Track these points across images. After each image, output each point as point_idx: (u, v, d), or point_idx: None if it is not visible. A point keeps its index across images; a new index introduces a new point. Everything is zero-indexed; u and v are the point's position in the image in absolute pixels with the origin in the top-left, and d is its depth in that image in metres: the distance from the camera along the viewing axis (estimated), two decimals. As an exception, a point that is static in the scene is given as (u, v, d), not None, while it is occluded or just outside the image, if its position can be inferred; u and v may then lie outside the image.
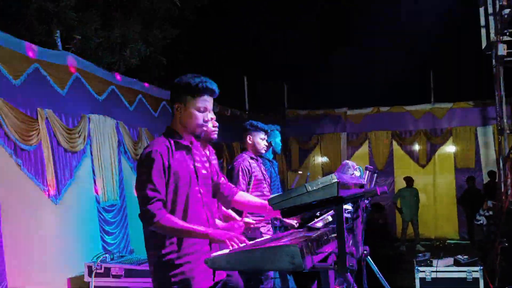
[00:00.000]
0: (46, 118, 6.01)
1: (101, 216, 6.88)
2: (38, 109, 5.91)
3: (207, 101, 3.21)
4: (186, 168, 3.18)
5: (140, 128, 8.06)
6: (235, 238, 2.98)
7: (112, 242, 6.96)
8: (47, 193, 5.93)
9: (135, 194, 3.13)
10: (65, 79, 6.46)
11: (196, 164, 3.27)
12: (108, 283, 5.81)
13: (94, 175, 6.86)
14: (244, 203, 3.58)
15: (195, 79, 3.17)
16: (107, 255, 6.04)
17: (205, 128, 3.27)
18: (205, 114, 3.22)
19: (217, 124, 3.86)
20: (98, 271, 5.84)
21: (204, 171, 3.32)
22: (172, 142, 3.19)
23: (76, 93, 6.64)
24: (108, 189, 7.04)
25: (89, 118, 6.84)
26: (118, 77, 7.68)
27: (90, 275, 5.84)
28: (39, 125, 5.86)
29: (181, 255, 3.10)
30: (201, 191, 3.26)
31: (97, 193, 6.86)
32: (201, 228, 3.07)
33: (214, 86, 3.22)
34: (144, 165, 3.09)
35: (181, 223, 3.06)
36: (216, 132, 4.07)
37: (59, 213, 6.16)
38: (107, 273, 5.82)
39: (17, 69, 5.64)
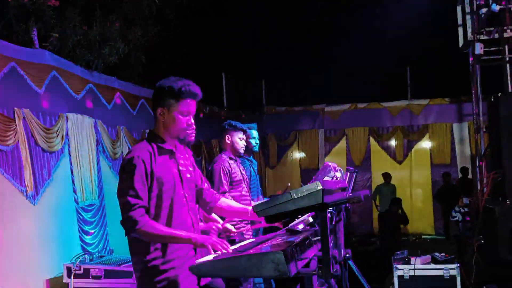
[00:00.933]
0: (24, 117, 5.93)
1: (80, 216, 6.82)
2: (15, 108, 5.82)
3: (190, 105, 3.18)
4: (169, 173, 3.14)
5: (118, 126, 8.00)
6: (218, 244, 2.96)
7: (91, 242, 6.90)
8: (25, 193, 5.86)
9: (118, 200, 3.08)
10: (42, 78, 6.37)
11: (180, 168, 3.24)
12: (87, 284, 5.76)
13: (73, 175, 6.79)
14: (225, 209, 3.54)
15: (178, 83, 3.13)
16: (86, 255, 6.00)
17: (188, 132, 3.22)
18: (188, 118, 3.19)
19: (194, 126, 3.82)
20: (77, 272, 5.79)
21: (188, 175, 3.29)
22: (155, 146, 3.15)
23: (53, 92, 6.56)
24: (86, 189, 6.97)
25: (67, 117, 6.76)
26: (96, 75, 7.59)
27: (69, 276, 5.79)
28: (16, 125, 5.77)
29: (166, 261, 3.08)
30: (186, 195, 3.22)
31: (75, 193, 6.79)
32: (184, 233, 3.04)
33: (197, 90, 3.18)
34: (125, 172, 3.05)
35: (164, 229, 3.03)
36: (194, 134, 4.06)
37: (37, 214, 6.09)
38: (86, 274, 5.78)
39: (-7, 68, 5.56)
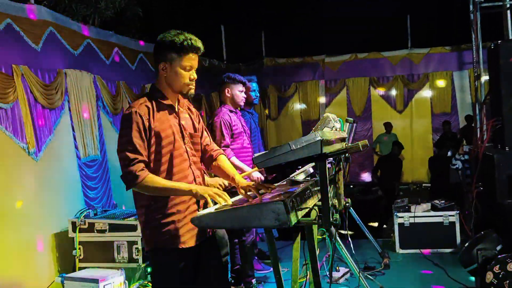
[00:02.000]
0: (22, 74, 5.91)
1: (83, 172, 6.88)
2: (13, 65, 5.80)
3: (193, 59, 3.16)
4: (169, 128, 3.15)
5: (118, 81, 7.97)
6: (217, 196, 2.99)
7: (95, 196, 6.98)
8: (27, 150, 5.89)
9: (118, 156, 3.10)
10: (39, 34, 6.31)
11: (182, 122, 3.25)
12: (93, 238, 5.88)
13: (74, 131, 6.82)
14: (218, 168, 3.47)
15: (180, 37, 3.09)
16: (90, 210, 6.09)
17: (191, 86, 3.22)
18: (191, 72, 3.17)
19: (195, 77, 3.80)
20: (82, 226, 5.89)
21: (191, 130, 3.31)
22: (154, 102, 3.15)
23: (51, 48, 6.50)
24: (88, 144, 7.01)
25: (65, 73, 6.73)
26: (94, 30, 7.53)
27: (74, 230, 5.91)
28: (15, 82, 5.77)
29: (166, 215, 3.12)
30: (188, 150, 3.24)
31: (77, 148, 6.83)
32: (184, 185, 3.07)
33: (199, 44, 3.15)
34: (123, 127, 3.07)
35: (164, 181, 3.05)
36: (194, 86, 4.05)
37: (40, 170, 6.13)
38: (91, 228, 5.88)
39: (-11, 26, 5.52)
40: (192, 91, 3.25)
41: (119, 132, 3.12)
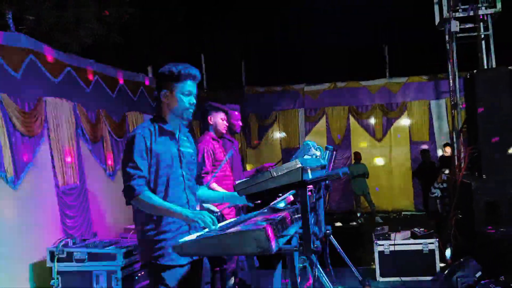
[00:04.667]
0: (1, 102, 5.88)
1: (61, 200, 6.81)
2: (-7, 93, 5.78)
3: (191, 86, 3.42)
4: (168, 152, 3.37)
5: (98, 109, 7.95)
6: (207, 217, 3.10)
7: (74, 225, 6.90)
8: (5, 178, 5.83)
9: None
10: (19, 62, 6.31)
11: (181, 148, 3.47)
12: (71, 267, 5.80)
13: (53, 159, 6.76)
14: (204, 198, 3.77)
15: (178, 67, 3.38)
16: (69, 239, 6.01)
17: (191, 111, 3.43)
18: (190, 97, 3.41)
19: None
20: (60, 256, 5.82)
21: (188, 157, 3.51)
22: (156, 127, 3.39)
23: (31, 75, 6.50)
24: (67, 172, 6.95)
25: (45, 101, 6.71)
26: (74, 58, 7.53)
27: (52, 260, 5.82)
28: (-6, 110, 5.74)
29: (159, 232, 3.29)
30: (184, 174, 3.44)
31: (56, 177, 6.77)
32: (176, 208, 3.21)
33: (196, 72, 3.44)
34: (127, 146, 3.31)
35: (159, 201, 3.23)
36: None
37: (18, 199, 6.07)
38: (70, 257, 5.81)
39: (-31, 53, 5.50)
40: (190, 116, 3.46)
41: (123, 152, 3.36)
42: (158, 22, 11.44)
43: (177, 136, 3.49)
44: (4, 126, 5.88)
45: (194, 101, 3.44)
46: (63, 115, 7.03)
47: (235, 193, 3.53)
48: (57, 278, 5.78)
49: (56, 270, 5.78)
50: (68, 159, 7.02)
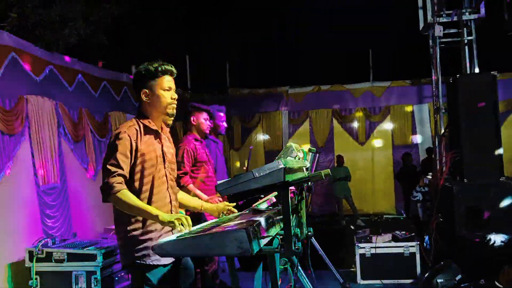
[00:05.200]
0: (-18, 100, 5.81)
1: (42, 200, 6.73)
2: (-27, 91, 5.71)
3: (169, 81, 3.43)
4: (153, 151, 3.37)
5: (80, 108, 7.88)
6: (183, 219, 3.08)
7: (54, 225, 6.83)
8: (-16, 177, 5.76)
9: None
10: (0, 59, 6.23)
11: (164, 149, 3.46)
12: (50, 267, 5.73)
13: (33, 158, 6.69)
14: (182, 201, 3.76)
15: (153, 64, 3.39)
16: (48, 239, 5.95)
17: (174, 105, 3.44)
18: (171, 92, 3.42)
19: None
20: (39, 256, 5.75)
21: (170, 156, 3.52)
22: (141, 125, 3.37)
23: (12, 73, 6.41)
24: (48, 172, 6.88)
25: (26, 100, 6.63)
26: (57, 56, 7.46)
27: (31, 260, 5.75)
28: (-26, 107, 5.66)
29: (144, 231, 3.28)
30: (167, 174, 3.45)
31: (36, 176, 6.70)
32: (153, 210, 3.18)
33: (171, 67, 3.45)
34: (111, 145, 3.28)
35: (136, 200, 3.19)
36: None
37: (-3, 197, 6.00)
38: (49, 257, 5.75)
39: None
40: (174, 111, 3.47)
41: (106, 149, 3.32)
42: (144, 23, 11.39)
43: (160, 135, 3.48)
44: (-16, 124, 5.81)
45: (176, 96, 3.44)
46: (45, 113, 6.95)
47: (214, 206, 3.74)
48: (36, 279, 5.71)
49: (35, 270, 5.71)
50: (49, 158, 6.94)
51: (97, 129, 8.19)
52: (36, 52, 6.96)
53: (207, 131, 6.02)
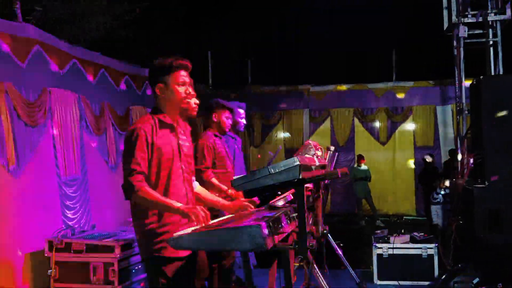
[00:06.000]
0: (6, 91, 5.89)
1: (62, 191, 6.82)
2: (-3, 82, 5.79)
3: (184, 76, 3.41)
4: (169, 145, 3.37)
5: (102, 102, 7.96)
6: (200, 216, 3.08)
7: (73, 217, 6.91)
8: (7, 167, 5.84)
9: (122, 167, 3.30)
10: (25, 52, 6.31)
11: (180, 142, 3.47)
12: (69, 258, 5.80)
13: (55, 149, 6.77)
14: (199, 197, 3.75)
15: (167, 59, 3.37)
16: (68, 230, 6.02)
17: (189, 100, 3.46)
18: (185, 87, 3.40)
19: (198, 102, 4.01)
20: (59, 246, 5.82)
21: (186, 150, 3.52)
22: (156, 120, 3.37)
23: (37, 66, 6.50)
24: (69, 163, 6.96)
25: (50, 92, 6.72)
26: (80, 50, 7.54)
27: (50, 250, 5.83)
28: (-2, 98, 5.75)
29: (161, 225, 3.30)
30: (183, 167, 3.46)
31: (58, 167, 6.78)
32: (174, 203, 3.21)
33: (186, 61, 3.42)
34: (128, 141, 3.29)
35: (157, 196, 3.22)
36: (196, 109, 4.13)
37: (19, 188, 6.08)
38: (68, 248, 5.81)
39: (-25, 40, 5.51)
40: (194, 112, 3.58)
41: (124, 146, 3.34)
42: (166, 18, 11.43)
43: (176, 129, 3.49)
44: (8, 115, 5.89)
45: (191, 91, 3.43)
46: (67, 106, 7.04)
47: (231, 204, 3.71)
48: (55, 268, 5.78)
49: (53, 260, 5.79)
50: (71, 150, 7.02)
51: (118, 123, 8.26)
52: (60, 46, 7.05)
53: (227, 129, 6.01)
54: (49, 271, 5.79)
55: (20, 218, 6.06)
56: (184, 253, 3.33)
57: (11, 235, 5.89)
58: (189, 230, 2.96)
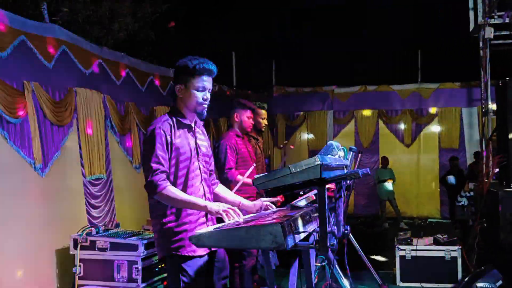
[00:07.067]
0: (33, 90, 5.99)
1: (87, 190, 6.91)
2: (25, 81, 5.89)
3: (206, 81, 3.43)
4: (187, 145, 3.42)
5: (127, 102, 8.04)
6: (230, 211, 3.19)
7: (98, 215, 7.00)
8: (33, 165, 5.94)
9: (142, 167, 3.37)
10: (52, 52, 6.42)
11: (198, 142, 3.52)
12: (93, 256, 5.88)
13: (80, 149, 6.87)
14: (220, 197, 3.81)
15: (193, 61, 3.38)
16: (93, 228, 6.10)
17: (204, 106, 3.47)
18: (204, 93, 3.44)
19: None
20: (83, 244, 5.90)
21: (204, 149, 3.58)
22: (174, 120, 3.42)
23: (63, 66, 6.60)
24: (94, 163, 7.05)
25: (75, 92, 6.81)
26: (106, 51, 7.63)
27: (75, 247, 5.91)
28: (25, 98, 5.85)
29: (179, 224, 3.37)
30: (201, 166, 3.51)
31: (83, 167, 6.87)
32: (200, 201, 3.29)
33: (212, 67, 3.43)
34: (148, 141, 3.35)
35: (182, 194, 3.29)
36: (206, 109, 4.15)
37: (45, 186, 6.18)
38: (92, 246, 5.90)
39: (3, 41, 5.60)
40: (204, 112, 3.50)
41: (143, 146, 3.40)
42: (191, 19, 11.51)
43: (193, 129, 3.53)
44: (35, 114, 5.99)
45: (208, 97, 3.46)
46: (93, 106, 7.13)
47: (251, 204, 3.74)
48: (79, 266, 5.87)
49: (78, 257, 5.87)
50: (96, 149, 7.11)
51: (142, 123, 8.34)
52: (86, 46, 7.14)
53: (249, 129, 6.04)
54: (74, 268, 5.87)
55: (46, 216, 6.15)
56: (202, 252, 3.38)
57: (38, 232, 5.99)
58: (211, 228, 3.00)
